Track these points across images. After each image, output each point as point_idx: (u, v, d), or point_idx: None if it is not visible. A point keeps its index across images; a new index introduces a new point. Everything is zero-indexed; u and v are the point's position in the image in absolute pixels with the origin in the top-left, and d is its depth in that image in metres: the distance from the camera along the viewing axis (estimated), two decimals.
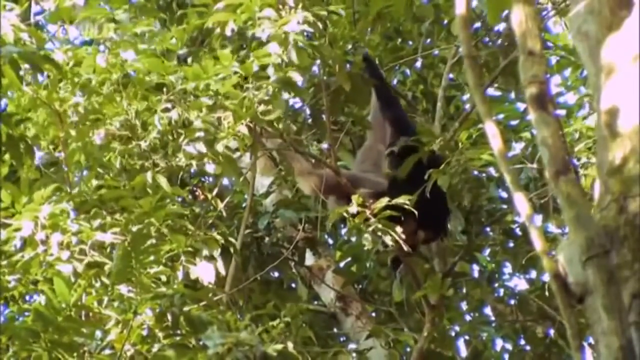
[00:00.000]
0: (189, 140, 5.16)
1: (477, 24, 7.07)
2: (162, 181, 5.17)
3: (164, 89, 5.21)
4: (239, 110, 5.15)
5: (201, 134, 5.14)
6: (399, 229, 5.70)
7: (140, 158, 5.24)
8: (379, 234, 5.66)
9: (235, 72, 5.20)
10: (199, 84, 5.16)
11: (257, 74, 5.24)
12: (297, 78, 5.24)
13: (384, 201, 5.60)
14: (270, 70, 5.23)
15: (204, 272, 5.17)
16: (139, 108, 5.19)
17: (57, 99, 5.15)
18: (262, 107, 5.21)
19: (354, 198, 5.62)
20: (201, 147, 5.15)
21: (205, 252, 5.25)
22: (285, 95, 5.34)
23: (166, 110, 5.18)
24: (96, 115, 5.18)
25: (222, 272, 5.35)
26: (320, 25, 5.31)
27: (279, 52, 5.21)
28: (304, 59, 5.25)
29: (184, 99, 5.18)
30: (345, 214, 5.64)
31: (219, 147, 5.16)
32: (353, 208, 5.58)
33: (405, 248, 5.76)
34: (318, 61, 5.74)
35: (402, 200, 5.58)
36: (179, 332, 4.58)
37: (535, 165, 6.38)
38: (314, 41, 5.40)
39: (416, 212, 5.66)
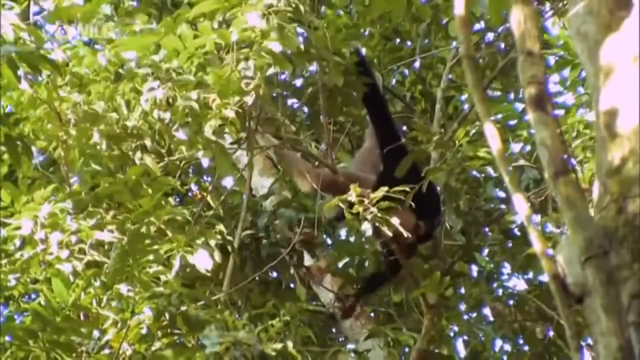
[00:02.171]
0: (177, 126, 5.06)
1: (478, 26, 7.08)
2: (148, 160, 5.07)
3: (149, 69, 5.10)
4: (224, 87, 5.02)
5: (189, 119, 5.03)
6: (399, 225, 5.68)
7: (127, 138, 5.13)
8: (377, 223, 5.59)
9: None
10: (181, 58, 5.04)
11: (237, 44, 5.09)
12: (276, 48, 5.10)
13: (382, 190, 5.54)
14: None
15: (201, 260, 5.08)
16: (126, 90, 5.09)
17: (56, 98, 5.14)
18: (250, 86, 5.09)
19: (352, 187, 5.55)
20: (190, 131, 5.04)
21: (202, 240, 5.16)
22: (271, 70, 5.21)
23: (151, 89, 5.06)
24: (92, 110, 5.13)
25: (219, 260, 5.26)
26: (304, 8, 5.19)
27: (258, 23, 5.06)
28: (289, 38, 5.12)
29: (168, 78, 5.06)
30: (342, 205, 5.58)
31: (207, 129, 5.05)
32: (351, 196, 5.51)
33: (406, 234, 5.70)
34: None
35: (401, 188, 5.52)
36: (176, 331, 4.58)
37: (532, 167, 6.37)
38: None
39: (414, 205, 5.65)
